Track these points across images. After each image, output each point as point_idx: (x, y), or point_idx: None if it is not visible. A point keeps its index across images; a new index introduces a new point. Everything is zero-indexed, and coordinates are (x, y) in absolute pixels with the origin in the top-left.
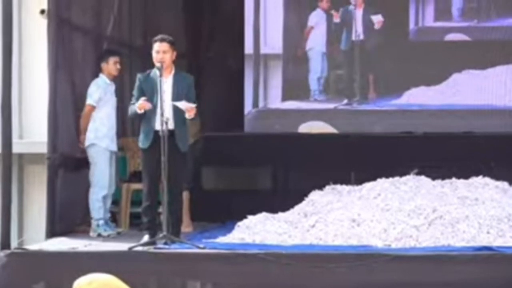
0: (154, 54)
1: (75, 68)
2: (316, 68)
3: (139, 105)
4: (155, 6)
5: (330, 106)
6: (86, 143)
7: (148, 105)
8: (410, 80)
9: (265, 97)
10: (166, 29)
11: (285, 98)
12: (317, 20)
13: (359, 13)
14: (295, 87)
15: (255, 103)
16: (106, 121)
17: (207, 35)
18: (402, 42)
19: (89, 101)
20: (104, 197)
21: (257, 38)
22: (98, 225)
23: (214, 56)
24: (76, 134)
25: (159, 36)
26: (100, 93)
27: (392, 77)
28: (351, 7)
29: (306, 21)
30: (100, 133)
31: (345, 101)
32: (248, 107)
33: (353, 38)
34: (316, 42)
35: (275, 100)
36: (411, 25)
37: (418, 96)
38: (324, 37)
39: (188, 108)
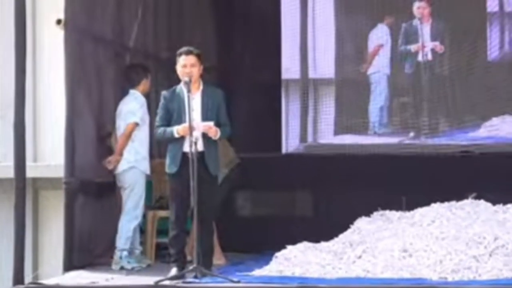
0: (179, 69)
1: (96, 84)
2: (379, 95)
3: (180, 130)
4: (181, 14)
5: (394, 140)
6: (123, 166)
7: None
8: (490, 108)
9: (315, 130)
10: (193, 40)
11: (338, 131)
12: (381, 37)
13: (426, 29)
14: (350, 118)
15: (303, 137)
16: (145, 141)
17: (240, 45)
18: (479, 63)
19: (134, 119)
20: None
21: (304, 61)
22: (121, 257)
23: (248, 69)
24: (96, 155)
25: (185, 49)
26: (143, 111)
27: (468, 105)
28: (415, 21)
29: (362, 39)
30: (139, 155)
31: (412, 134)
32: (294, 140)
33: (420, 58)
34: (380, 64)
35: (326, 134)
36: (491, 44)
37: (500, 127)
38: (388, 59)
39: (206, 128)
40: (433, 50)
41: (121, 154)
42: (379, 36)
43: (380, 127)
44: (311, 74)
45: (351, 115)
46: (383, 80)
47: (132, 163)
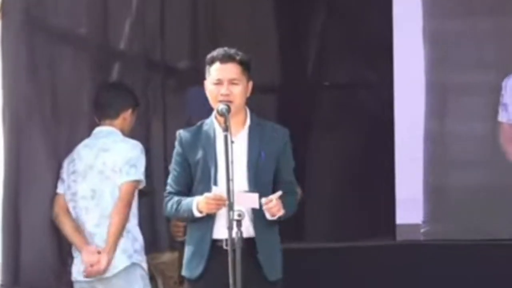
0: (210, 87)
1: (59, 112)
2: None
3: (203, 206)
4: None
5: None
6: (121, 263)
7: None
8: None
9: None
10: (237, 38)
11: None
12: None
13: None
14: None
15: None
16: (137, 219)
17: (319, 49)
18: None
19: (138, 175)
20: None
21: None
22: None
23: (334, 86)
24: (58, 245)
25: (221, 51)
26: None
27: None
28: None
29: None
30: (138, 244)
31: None
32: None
33: None
34: None
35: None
36: None
37: None
38: None
39: (260, 201)
40: None
41: (115, 247)
42: None
43: None
44: None
45: None
46: None
47: (133, 256)
